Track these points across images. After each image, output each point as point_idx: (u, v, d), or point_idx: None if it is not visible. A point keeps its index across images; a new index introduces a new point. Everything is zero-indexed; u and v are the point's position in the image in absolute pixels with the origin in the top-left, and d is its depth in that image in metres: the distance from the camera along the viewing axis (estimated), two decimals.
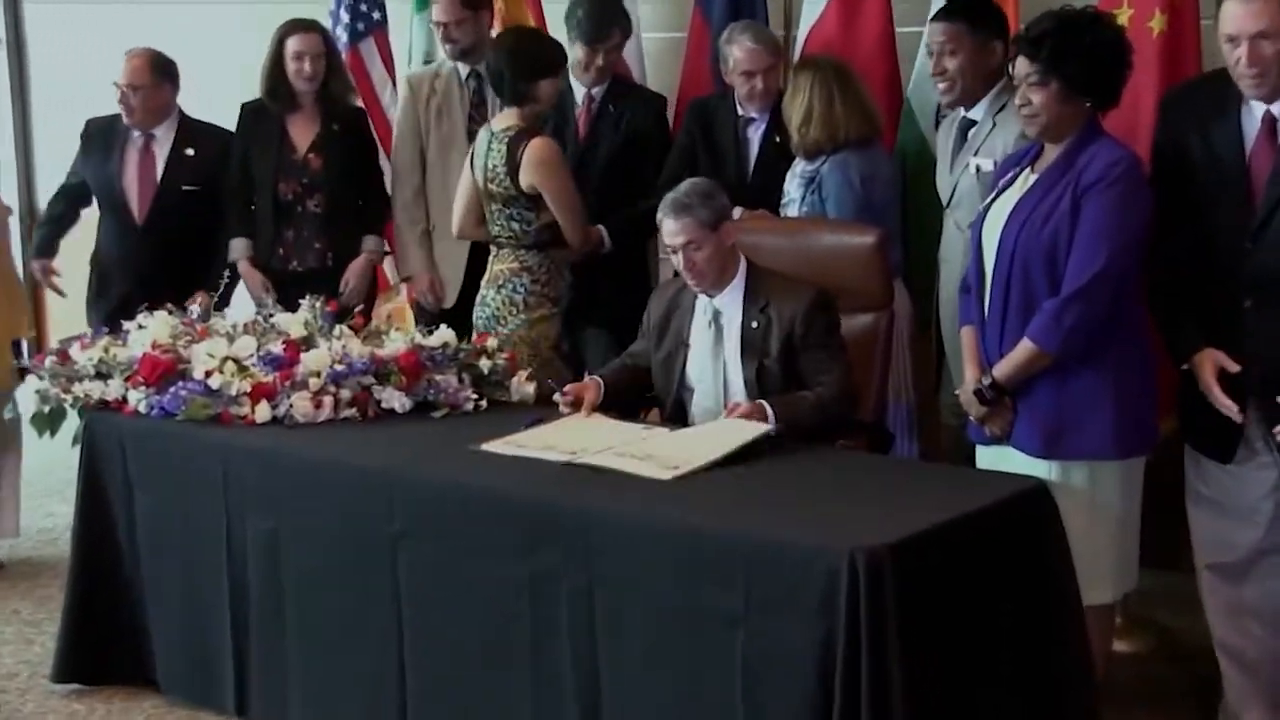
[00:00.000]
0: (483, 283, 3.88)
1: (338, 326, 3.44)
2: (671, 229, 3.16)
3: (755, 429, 2.91)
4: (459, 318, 4.19)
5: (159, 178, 4.29)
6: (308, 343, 3.35)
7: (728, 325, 3.23)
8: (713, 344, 3.24)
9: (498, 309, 3.79)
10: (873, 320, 3.45)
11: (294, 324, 3.42)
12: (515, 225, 3.79)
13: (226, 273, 4.16)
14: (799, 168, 3.81)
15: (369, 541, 2.90)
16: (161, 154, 4.30)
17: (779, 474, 2.79)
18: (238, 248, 4.29)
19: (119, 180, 4.29)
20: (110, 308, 4.14)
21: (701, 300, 3.26)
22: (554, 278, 3.82)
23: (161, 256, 4.22)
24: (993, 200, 2.99)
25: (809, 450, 2.97)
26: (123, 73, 4.24)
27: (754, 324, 3.18)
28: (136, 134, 4.29)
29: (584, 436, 2.98)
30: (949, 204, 3.61)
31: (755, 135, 4.04)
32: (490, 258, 3.88)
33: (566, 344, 3.91)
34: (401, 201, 4.36)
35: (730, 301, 3.22)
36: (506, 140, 3.75)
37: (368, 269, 4.29)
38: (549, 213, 3.77)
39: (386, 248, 4.39)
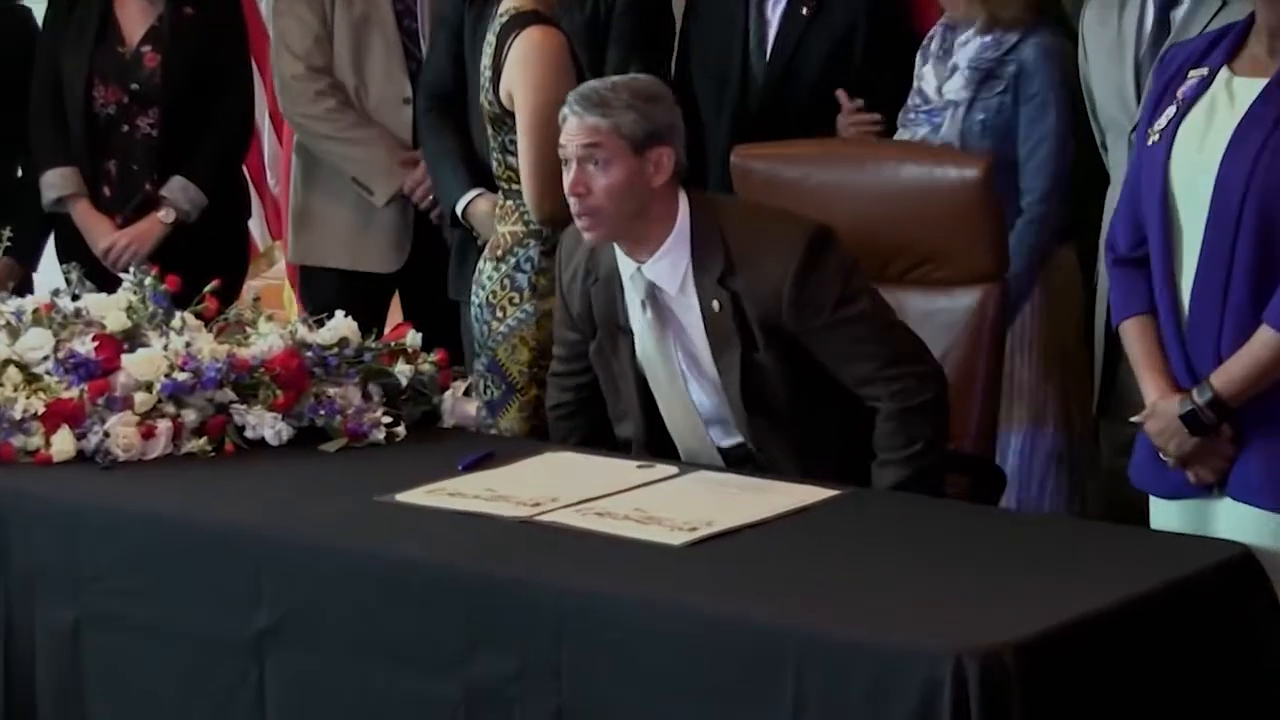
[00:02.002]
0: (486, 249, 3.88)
1: (179, 314, 3.40)
2: (571, 128, 3.16)
3: (818, 494, 2.90)
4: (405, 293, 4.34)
5: None
6: (133, 338, 3.33)
7: (676, 308, 3.19)
8: (655, 338, 3.21)
9: (494, 293, 3.78)
10: (976, 300, 3.45)
11: (111, 310, 3.37)
12: (511, 159, 3.78)
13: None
14: (963, 52, 3.81)
15: (223, 641, 2.87)
16: None
17: (844, 537, 2.79)
18: (58, 182, 4.29)
19: None
20: None
21: (625, 265, 3.22)
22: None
23: None
24: (1181, 116, 2.94)
25: (886, 501, 2.99)
26: None
27: (715, 304, 3.15)
28: None
29: (552, 481, 2.98)
30: (1136, 125, 3.55)
31: (775, 13, 4.09)
32: (495, 212, 3.88)
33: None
34: (298, 106, 4.37)
35: (669, 270, 3.18)
36: (498, 30, 3.75)
37: (154, 235, 4.26)
38: None
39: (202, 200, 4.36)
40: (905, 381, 3.11)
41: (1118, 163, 3.66)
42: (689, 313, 3.19)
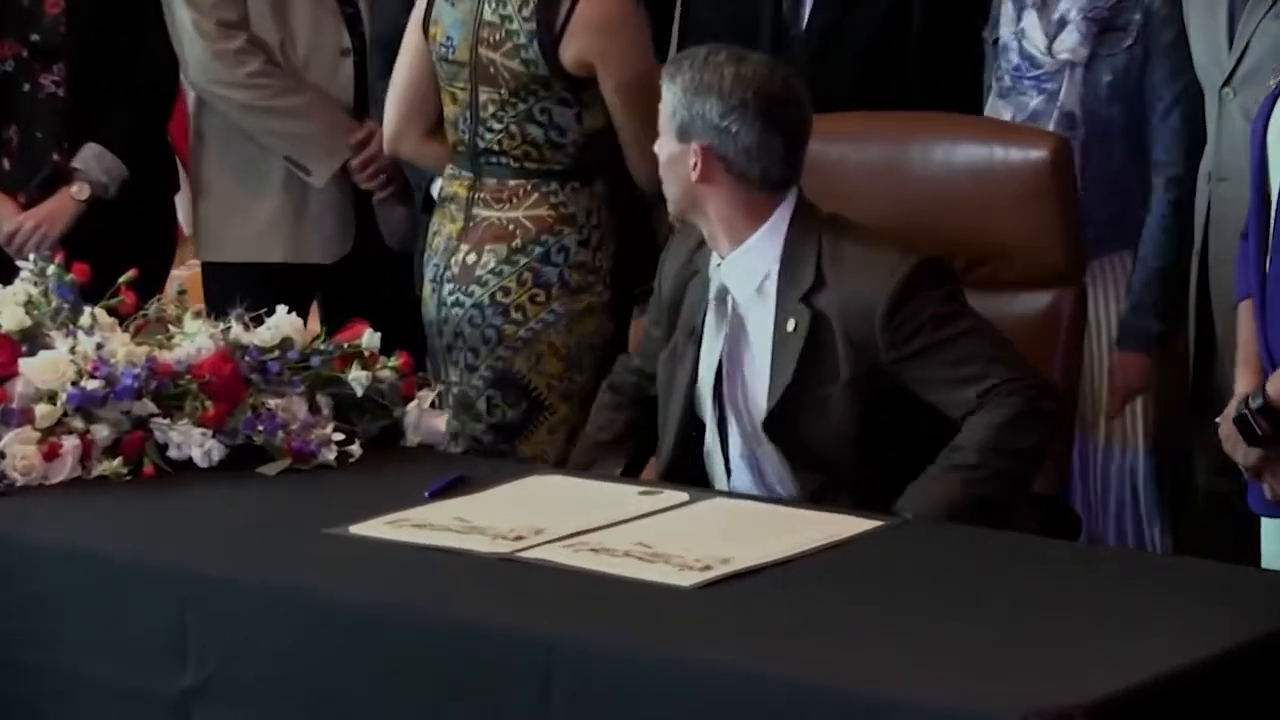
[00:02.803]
0: (444, 237, 3.84)
1: (89, 310, 3.41)
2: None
3: (854, 525, 2.91)
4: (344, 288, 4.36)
5: None
6: (33, 339, 3.34)
7: (748, 319, 3.25)
8: (714, 338, 3.28)
9: (505, 289, 3.78)
10: (1046, 306, 3.49)
11: (7, 305, 3.39)
12: (537, 131, 3.80)
13: None
14: (1070, 1, 3.81)
15: (142, 698, 2.88)
16: None
17: (884, 578, 2.80)
18: None
19: None
20: None
21: (713, 257, 3.31)
22: (609, 234, 3.81)
23: None
24: None
25: (934, 533, 2.99)
26: None
27: (791, 322, 3.18)
28: None
29: (537, 511, 3.00)
30: (1229, 78, 3.61)
31: None
32: (464, 198, 3.86)
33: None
34: (211, 72, 4.34)
35: (744, 271, 3.23)
36: None
37: (67, 215, 4.30)
38: (601, 110, 3.77)
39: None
40: (1017, 390, 3.12)
41: (1209, 121, 3.69)
42: (761, 329, 3.23)
